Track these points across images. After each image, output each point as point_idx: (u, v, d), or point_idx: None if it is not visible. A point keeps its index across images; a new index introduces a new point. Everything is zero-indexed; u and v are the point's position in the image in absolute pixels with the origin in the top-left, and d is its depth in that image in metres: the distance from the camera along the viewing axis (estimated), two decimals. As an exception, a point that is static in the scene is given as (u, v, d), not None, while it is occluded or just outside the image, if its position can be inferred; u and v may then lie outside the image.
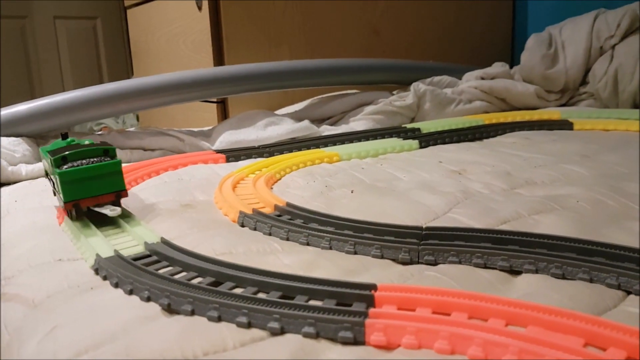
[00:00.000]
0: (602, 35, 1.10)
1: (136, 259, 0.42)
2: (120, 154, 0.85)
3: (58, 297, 0.38)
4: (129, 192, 0.64)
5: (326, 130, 0.96)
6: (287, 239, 0.47)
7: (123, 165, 0.74)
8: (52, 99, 0.86)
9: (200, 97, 0.99)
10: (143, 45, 1.55)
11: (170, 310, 0.35)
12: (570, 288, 0.36)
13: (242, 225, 0.51)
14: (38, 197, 0.65)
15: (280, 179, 0.68)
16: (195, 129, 1.01)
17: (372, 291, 0.34)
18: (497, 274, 0.39)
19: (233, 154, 0.79)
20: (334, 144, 0.84)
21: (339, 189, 0.61)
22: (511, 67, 1.20)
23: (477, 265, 0.40)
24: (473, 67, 1.21)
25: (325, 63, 1.09)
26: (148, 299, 0.36)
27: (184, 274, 0.40)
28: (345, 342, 0.31)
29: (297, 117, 1.02)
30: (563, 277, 0.37)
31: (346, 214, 0.49)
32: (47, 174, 0.58)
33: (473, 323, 0.30)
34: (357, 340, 0.31)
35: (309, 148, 0.82)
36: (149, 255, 0.43)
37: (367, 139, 0.87)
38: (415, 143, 0.82)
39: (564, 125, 0.91)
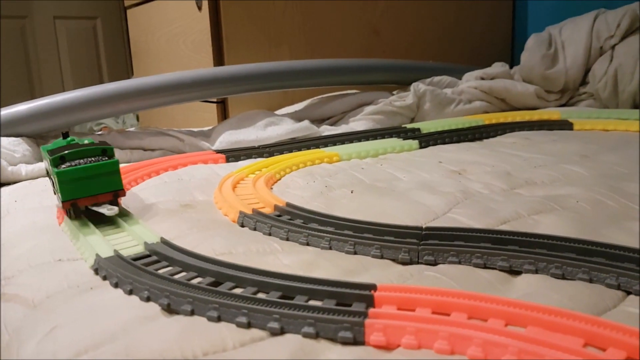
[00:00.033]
0: (602, 35, 1.10)
1: (136, 259, 0.42)
2: (120, 154, 0.85)
3: (58, 297, 0.38)
4: (128, 192, 0.64)
5: (326, 130, 0.96)
6: (287, 239, 0.47)
7: (123, 165, 0.74)
8: (52, 99, 0.86)
9: (200, 97, 0.99)
10: (143, 45, 1.55)
11: (169, 310, 0.35)
12: (570, 288, 0.36)
13: (242, 226, 0.51)
14: (38, 197, 0.65)
15: (280, 179, 0.68)
16: (195, 129, 1.01)
17: (372, 291, 0.34)
18: (496, 274, 0.39)
19: (233, 154, 0.79)
20: (334, 144, 0.84)
21: (339, 189, 0.61)
22: (511, 67, 1.20)
23: (476, 266, 0.40)
24: (473, 67, 1.21)
25: (325, 63, 1.09)
26: (148, 299, 0.36)
27: (183, 274, 0.40)
28: (345, 342, 0.31)
29: (297, 117, 1.02)
30: (563, 277, 0.37)
31: (346, 214, 0.49)
32: (48, 173, 0.58)
33: (473, 323, 0.30)
34: (357, 341, 0.31)
35: (309, 148, 0.82)
36: (148, 255, 0.43)
37: (367, 139, 0.87)
38: (415, 143, 0.82)
39: (564, 125, 0.91)
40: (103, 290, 0.39)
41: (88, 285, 0.40)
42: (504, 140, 0.85)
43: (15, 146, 0.81)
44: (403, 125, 0.96)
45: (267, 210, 0.53)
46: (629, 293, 0.35)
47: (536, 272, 0.38)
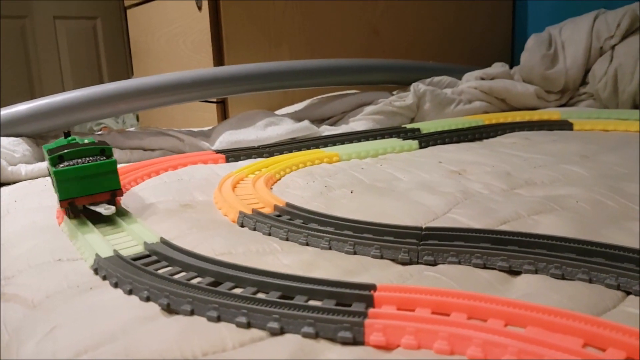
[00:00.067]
0: (602, 35, 1.10)
1: (135, 259, 0.42)
2: (120, 154, 0.85)
3: (57, 297, 0.38)
4: (128, 192, 0.64)
5: (326, 130, 0.96)
6: (287, 239, 0.47)
7: (123, 165, 0.74)
8: (52, 99, 0.86)
9: (200, 97, 0.99)
10: (143, 45, 1.55)
11: (169, 310, 0.35)
12: (569, 288, 0.36)
13: (242, 226, 0.51)
14: (38, 197, 0.65)
15: (280, 179, 0.68)
16: (195, 129, 1.01)
17: (372, 291, 0.34)
18: (496, 274, 0.39)
19: (233, 154, 0.79)
20: (334, 144, 0.84)
21: (339, 189, 0.61)
22: (511, 67, 1.20)
23: (476, 266, 0.40)
24: (473, 67, 1.21)
25: (325, 63, 1.09)
26: (147, 299, 0.36)
27: (183, 274, 0.40)
28: (345, 342, 0.31)
29: (297, 117, 1.02)
30: (562, 277, 0.37)
31: (346, 214, 0.49)
32: (49, 173, 0.58)
33: (472, 323, 0.30)
34: (357, 341, 0.31)
35: (308, 148, 0.82)
36: (148, 255, 0.43)
37: (367, 139, 0.87)
38: (415, 143, 0.82)
39: (564, 125, 0.91)
40: (103, 290, 0.39)
41: (88, 285, 0.40)
42: (504, 140, 0.85)
43: (15, 146, 0.81)
44: (403, 126, 0.96)
45: (267, 210, 0.53)
46: (628, 293, 0.35)
47: (536, 272, 0.38)
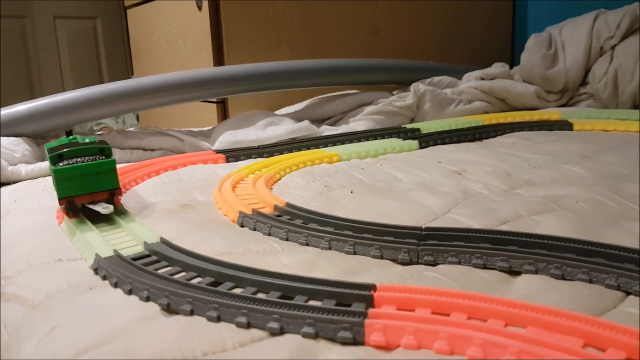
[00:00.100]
0: (602, 35, 1.10)
1: (135, 258, 0.42)
2: (120, 154, 0.85)
3: (57, 297, 0.38)
4: (129, 192, 0.64)
5: (326, 130, 0.96)
6: (287, 239, 0.47)
7: (123, 165, 0.74)
8: (52, 99, 0.86)
9: (200, 97, 0.99)
10: (143, 45, 1.55)
11: (169, 310, 0.35)
12: (569, 289, 0.36)
13: (242, 226, 0.51)
14: (38, 197, 0.65)
15: (280, 179, 0.68)
16: (195, 129, 1.01)
17: (372, 291, 0.34)
18: (496, 274, 0.39)
19: (233, 154, 0.79)
20: (334, 144, 0.84)
21: (339, 189, 0.61)
22: (511, 68, 1.20)
23: (476, 266, 0.40)
24: (473, 67, 1.21)
25: (325, 63, 1.09)
26: (147, 299, 0.36)
27: (183, 274, 0.40)
28: (345, 343, 0.31)
29: (297, 117, 1.02)
30: (562, 277, 0.37)
31: (346, 214, 0.49)
32: (50, 171, 0.59)
33: (472, 324, 0.30)
34: (357, 341, 0.31)
35: (308, 148, 0.82)
36: (148, 255, 0.43)
37: (367, 139, 0.87)
38: (415, 143, 0.82)
39: (564, 125, 0.91)
40: (103, 290, 0.39)
41: (88, 285, 0.40)
42: (504, 140, 0.85)
43: (15, 146, 0.81)
44: (403, 126, 0.96)
45: (267, 210, 0.53)
46: (628, 293, 0.35)
47: (536, 272, 0.38)
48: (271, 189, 0.63)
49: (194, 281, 0.38)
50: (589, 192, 0.54)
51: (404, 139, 0.85)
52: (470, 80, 1.14)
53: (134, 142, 0.89)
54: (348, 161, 0.75)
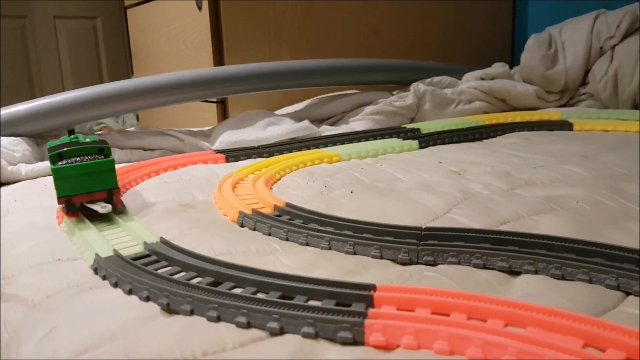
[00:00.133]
0: (602, 35, 1.10)
1: (135, 258, 0.42)
2: (120, 154, 0.85)
3: (57, 297, 0.38)
4: (129, 191, 0.64)
5: (326, 130, 0.96)
6: (287, 239, 0.47)
7: (123, 165, 0.74)
8: (52, 99, 0.86)
9: (200, 97, 0.99)
10: (143, 45, 1.55)
11: (169, 310, 0.35)
12: (569, 289, 0.36)
13: (242, 226, 0.51)
14: (38, 197, 0.65)
15: (279, 179, 0.68)
16: (195, 129, 1.01)
17: (371, 291, 0.34)
18: (496, 274, 0.39)
19: (233, 154, 0.79)
20: (334, 144, 0.84)
21: (339, 189, 0.61)
22: (511, 68, 1.20)
23: (476, 266, 0.40)
24: (473, 67, 1.21)
25: (325, 63, 1.09)
26: (147, 299, 0.36)
27: (183, 273, 0.40)
28: (345, 343, 0.31)
29: (297, 117, 1.02)
30: (562, 277, 0.37)
31: (346, 214, 0.49)
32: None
33: (472, 324, 0.30)
34: (356, 341, 0.31)
35: (308, 148, 0.82)
36: (148, 255, 0.43)
37: (367, 139, 0.87)
38: (415, 143, 0.82)
39: (564, 125, 0.91)
40: (102, 290, 0.39)
41: (87, 285, 0.40)
42: (503, 140, 0.85)
43: (15, 146, 0.81)
44: (403, 126, 0.96)
45: (267, 210, 0.53)
46: (628, 294, 0.35)
47: (536, 272, 0.38)
48: (271, 189, 0.63)
49: (194, 281, 0.38)
50: (589, 192, 0.54)
51: (404, 139, 0.85)
52: (470, 80, 1.14)
53: (134, 142, 0.89)
54: (348, 161, 0.75)
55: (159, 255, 0.43)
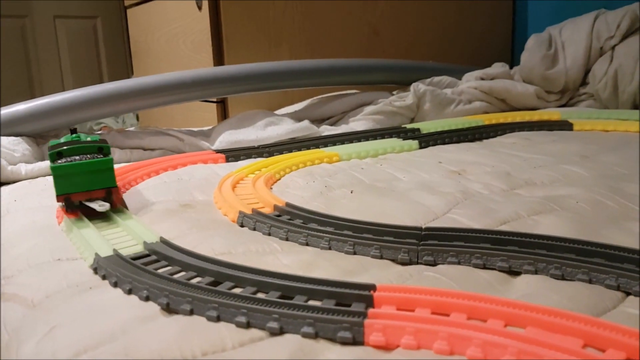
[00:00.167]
0: (602, 35, 1.10)
1: (135, 258, 0.42)
2: (120, 154, 0.85)
3: (57, 297, 0.38)
4: (128, 191, 0.64)
5: (326, 130, 0.96)
6: (287, 239, 0.47)
7: (123, 164, 0.74)
8: (52, 99, 0.86)
9: (200, 97, 0.99)
10: (143, 45, 1.55)
11: (169, 309, 0.35)
12: (569, 289, 0.36)
13: (242, 225, 0.51)
14: (38, 197, 0.65)
15: (279, 179, 0.68)
16: (195, 129, 1.01)
17: (371, 291, 0.34)
18: (496, 274, 0.39)
19: (233, 154, 0.79)
20: (334, 144, 0.84)
21: (339, 189, 0.61)
22: (511, 68, 1.20)
23: (476, 266, 0.40)
24: (473, 67, 1.21)
25: (325, 63, 1.09)
26: (147, 299, 0.36)
27: (183, 273, 0.40)
28: (344, 343, 0.31)
29: (297, 117, 1.02)
30: (562, 278, 0.37)
31: (346, 214, 0.49)
32: None
33: (472, 324, 0.30)
34: (356, 341, 0.31)
35: (308, 148, 0.82)
36: (148, 255, 0.43)
37: (367, 139, 0.87)
38: (415, 143, 0.82)
39: (564, 125, 0.91)
40: (102, 290, 0.39)
41: (87, 285, 0.40)
42: (503, 140, 0.85)
43: (15, 145, 0.81)
44: (403, 126, 0.96)
45: (267, 210, 0.53)
46: (628, 294, 0.35)
47: (536, 272, 0.38)
48: (271, 188, 0.63)
49: (194, 281, 0.38)
50: (589, 192, 0.54)
51: (404, 139, 0.85)
52: (470, 80, 1.14)
53: (134, 142, 0.89)
54: (348, 161, 0.75)
55: (158, 255, 0.43)
